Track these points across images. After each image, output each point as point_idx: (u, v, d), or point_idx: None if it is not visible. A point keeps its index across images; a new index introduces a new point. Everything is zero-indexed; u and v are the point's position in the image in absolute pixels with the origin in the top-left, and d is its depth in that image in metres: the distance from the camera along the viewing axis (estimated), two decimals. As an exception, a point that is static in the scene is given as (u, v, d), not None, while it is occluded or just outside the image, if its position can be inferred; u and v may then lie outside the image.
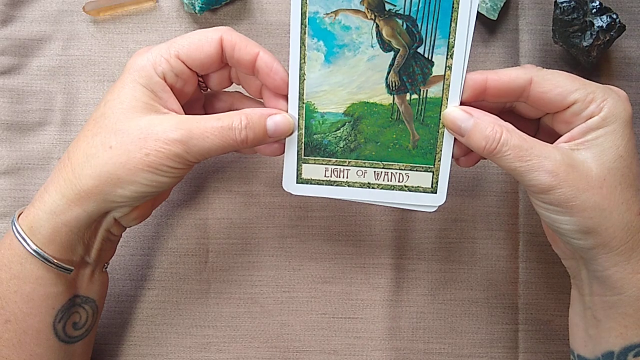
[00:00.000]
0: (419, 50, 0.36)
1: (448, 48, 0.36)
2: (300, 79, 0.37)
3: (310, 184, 0.39)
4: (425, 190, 0.39)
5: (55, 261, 0.37)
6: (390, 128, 0.38)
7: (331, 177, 0.39)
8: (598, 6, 0.45)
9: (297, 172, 0.39)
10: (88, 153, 0.36)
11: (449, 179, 0.38)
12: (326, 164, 0.39)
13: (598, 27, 0.44)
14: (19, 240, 0.37)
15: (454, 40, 0.36)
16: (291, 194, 0.39)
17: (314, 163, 0.39)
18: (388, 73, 0.37)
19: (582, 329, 0.39)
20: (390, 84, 0.37)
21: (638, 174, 0.35)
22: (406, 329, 0.48)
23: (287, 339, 0.48)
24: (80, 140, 0.37)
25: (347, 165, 0.39)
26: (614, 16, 0.45)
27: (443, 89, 0.36)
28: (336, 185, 0.39)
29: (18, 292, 0.37)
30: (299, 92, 0.37)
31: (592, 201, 0.33)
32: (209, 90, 0.42)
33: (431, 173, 0.38)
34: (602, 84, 0.37)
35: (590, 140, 0.34)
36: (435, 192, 0.39)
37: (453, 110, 0.36)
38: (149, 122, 0.36)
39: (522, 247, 0.48)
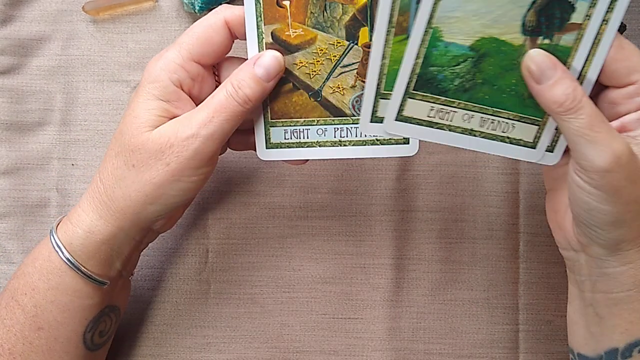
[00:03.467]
0: None
1: None
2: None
3: (410, 122, 0.35)
4: (525, 144, 0.36)
5: (94, 276, 0.38)
6: (512, 72, 0.35)
7: (435, 117, 0.35)
8: (598, 6, 0.44)
9: (399, 107, 0.35)
10: (115, 174, 0.37)
11: (554, 137, 0.36)
12: (433, 102, 0.35)
13: (599, 26, 0.44)
14: (58, 254, 0.37)
15: None
16: (388, 132, 0.36)
17: (421, 99, 0.35)
18: (528, 10, 0.34)
19: (583, 327, 0.38)
20: (527, 23, 0.34)
21: None
22: (406, 330, 0.48)
23: (287, 340, 0.48)
24: (107, 161, 0.37)
25: (455, 107, 0.35)
26: (615, 16, 0.44)
27: (576, 39, 0.34)
28: (437, 128, 0.36)
29: (54, 302, 0.38)
30: (430, 15, 0.33)
31: (636, 194, 0.33)
32: None
33: (537, 127, 0.36)
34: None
35: None
36: (535, 148, 0.36)
37: (539, 54, 0.34)
38: (161, 132, 0.36)
39: (523, 247, 0.48)
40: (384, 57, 0.35)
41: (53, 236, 0.38)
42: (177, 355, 0.48)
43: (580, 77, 0.35)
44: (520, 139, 0.36)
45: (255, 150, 0.39)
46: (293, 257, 0.48)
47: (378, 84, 0.35)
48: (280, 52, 0.37)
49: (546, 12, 0.34)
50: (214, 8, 0.48)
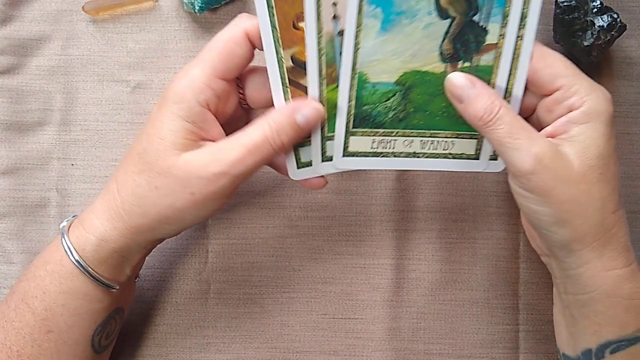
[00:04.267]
0: (474, 18, 0.36)
1: (503, 17, 0.35)
2: (354, 48, 0.36)
3: (357, 156, 0.38)
4: (469, 157, 0.39)
5: (105, 280, 0.38)
6: (440, 96, 0.37)
7: (378, 148, 0.38)
8: (599, 6, 0.44)
9: (344, 145, 0.38)
10: (136, 192, 0.36)
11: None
12: (374, 135, 0.38)
13: (599, 26, 0.44)
14: (70, 258, 0.37)
15: (509, 9, 0.35)
16: (338, 168, 0.39)
17: (362, 135, 0.38)
18: (443, 41, 0.36)
19: (564, 327, 0.39)
20: (444, 52, 0.36)
21: (615, 173, 0.36)
22: (406, 330, 0.48)
23: (287, 340, 0.48)
24: (127, 174, 0.37)
25: (394, 136, 0.38)
26: (615, 16, 0.44)
27: (495, 57, 0.36)
28: (382, 157, 0.38)
29: (65, 306, 0.38)
30: (352, 63, 0.36)
31: (570, 194, 0.34)
32: (249, 107, 0.41)
33: (476, 140, 0.38)
34: (603, 83, 0.37)
35: (573, 137, 0.35)
36: (478, 159, 0.39)
37: (457, 76, 0.36)
38: (189, 161, 0.35)
39: (523, 247, 0.48)
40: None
41: (65, 240, 0.38)
42: (177, 356, 0.48)
43: (507, 94, 0.37)
44: (463, 153, 0.39)
45: (271, 167, 0.41)
46: (293, 257, 0.48)
47: (322, 129, 0.38)
48: (303, 75, 0.37)
49: (461, 39, 0.36)
50: (214, 8, 0.48)
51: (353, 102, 0.37)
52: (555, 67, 0.36)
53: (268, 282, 0.48)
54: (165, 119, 0.36)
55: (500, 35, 0.36)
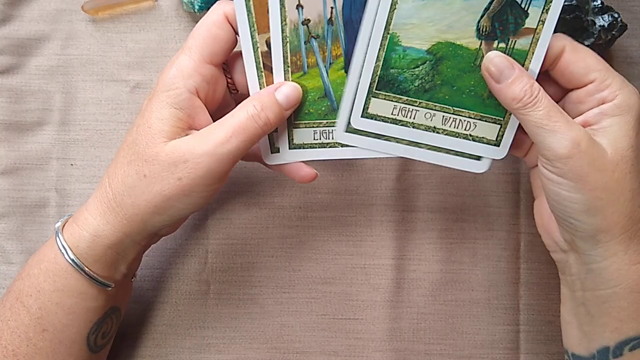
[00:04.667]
0: None
1: (545, 2, 0.35)
2: (390, 7, 0.36)
3: (375, 119, 0.38)
4: (489, 142, 0.38)
5: (100, 278, 0.38)
6: (470, 74, 0.37)
7: (398, 115, 0.38)
8: (599, 5, 0.44)
9: (364, 105, 0.38)
10: (126, 182, 0.37)
11: (514, 136, 0.38)
12: (396, 102, 0.38)
13: (599, 26, 0.44)
14: (64, 256, 0.37)
15: None
16: (353, 128, 0.38)
17: (384, 99, 0.38)
18: (481, 17, 0.36)
19: (575, 327, 0.39)
20: (481, 29, 0.36)
21: None
22: (407, 330, 0.48)
23: (286, 340, 0.48)
24: (117, 167, 0.37)
25: (417, 106, 0.38)
26: (616, 15, 0.44)
27: (532, 43, 0.36)
28: (401, 125, 0.38)
29: (60, 305, 0.38)
30: (386, 21, 0.36)
31: (603, 181, 0.34)
32: (238, 92, 0.41)
33: (499, 125, 0.38)
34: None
35: (606, 127, 0.35)
36: (498, 146, 0.39)
37: (498, 56, 0.36)
38: (175, 146, 0.36)
39: (524, 247, 0.48)
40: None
41: (59, 238, 0.38)
42: (176, 356, 0.48)
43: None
44: (483, 137, 0.38)
45: (259, 161, 0.40)
46: (293, 258, 0.48)
47: (290, 116, 0.38)
48: None
49: (500, 18, 0.36)
50: (214, 7, 0.48)
51: (380, 63, 0.37)
52: (588, 60, 0.36)
53: (268, 282, 0.48)
54: (154, 108, 0.36)
55: (540, 21, 0.36)
